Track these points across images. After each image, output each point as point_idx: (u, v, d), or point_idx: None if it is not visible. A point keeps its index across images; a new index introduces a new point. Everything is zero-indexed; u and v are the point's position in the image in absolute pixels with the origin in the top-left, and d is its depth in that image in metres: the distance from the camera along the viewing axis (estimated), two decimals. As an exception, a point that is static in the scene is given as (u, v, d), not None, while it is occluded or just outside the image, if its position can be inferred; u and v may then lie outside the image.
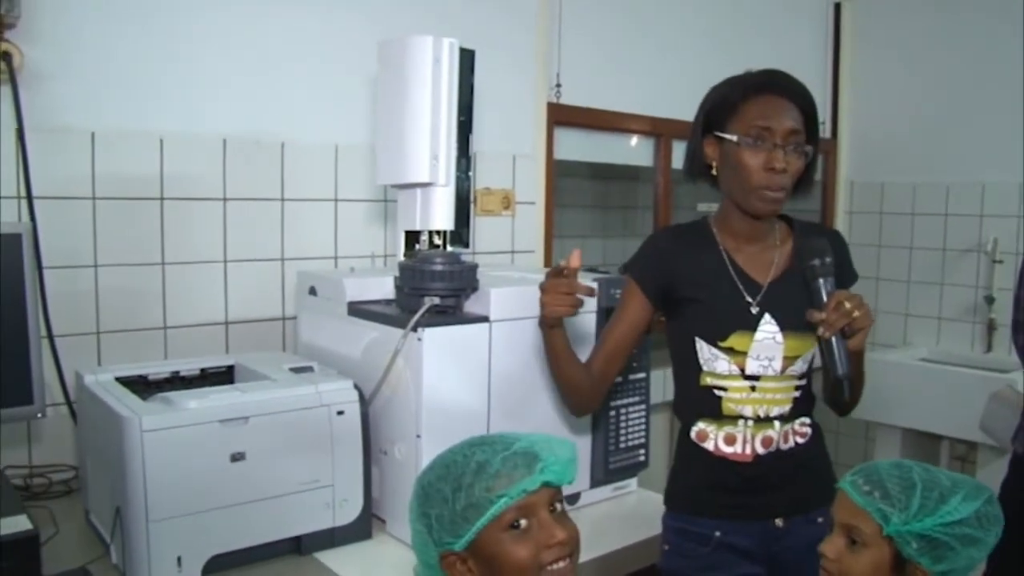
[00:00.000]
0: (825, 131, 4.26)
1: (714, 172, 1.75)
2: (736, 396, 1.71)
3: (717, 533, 1.72)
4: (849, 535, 1.34)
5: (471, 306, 1.89)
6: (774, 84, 1.69)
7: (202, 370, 1.99)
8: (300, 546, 1.75)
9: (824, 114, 4.29)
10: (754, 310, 1.71)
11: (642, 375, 2.15)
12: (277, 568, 1.71)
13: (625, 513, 2.10)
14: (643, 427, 2.16)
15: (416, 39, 1.91)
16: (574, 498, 2.06)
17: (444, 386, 1.80)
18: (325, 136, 2.46)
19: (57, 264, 2.03)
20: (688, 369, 1.76)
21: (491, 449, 1.21)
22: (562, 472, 1.22)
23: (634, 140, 3.51)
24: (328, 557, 1.75)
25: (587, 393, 1.80)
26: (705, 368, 1.73)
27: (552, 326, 1.69)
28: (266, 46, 2.33)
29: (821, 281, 1.59)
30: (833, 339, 1.56)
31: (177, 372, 1.95)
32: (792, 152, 1.66)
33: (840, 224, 4.35)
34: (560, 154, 3.15)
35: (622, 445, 2.12)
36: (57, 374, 2.03)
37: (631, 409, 2.13)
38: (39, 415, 1.79)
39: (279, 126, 2.37)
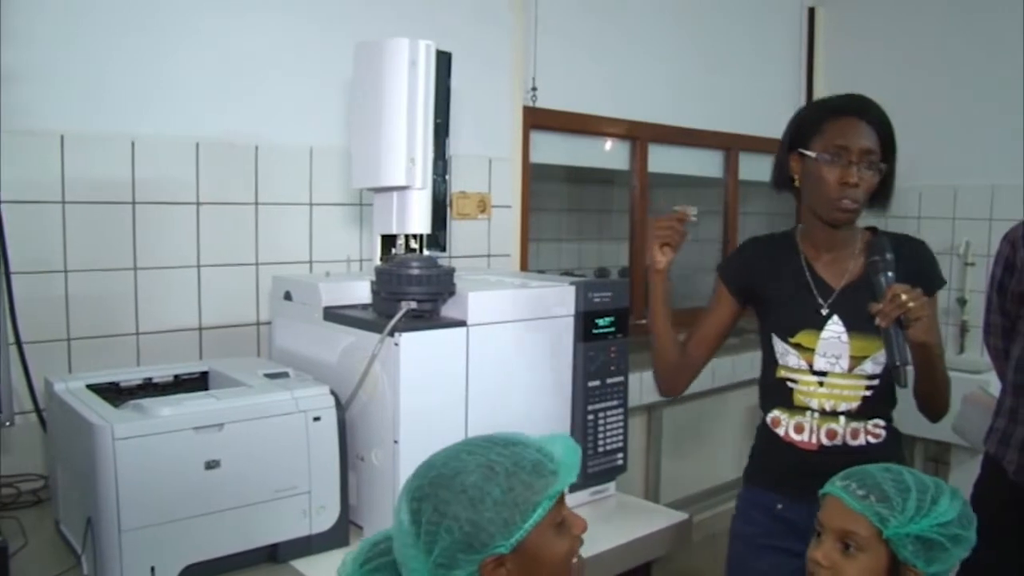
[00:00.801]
0: (799, 135, 4.28)
1: (796, 184, 1.95)
2: (805, 389, 1.90)
3: (779, 506, 1.92)
4: (843, 540, 1.34)
5: (448, 310, 1.88)
6: (853, 107, 1.88)
7: (175, 376, 1.96)
8: (276, 554, 1.72)
9: (798, 118, 4.31)
10: (824, 311, 1.89)
11: (620, 379, 2.13)
12: (253, 577, 1.69)
13: (605, 516, 2.09)
14: (621, 431, 2.15)
15: (392, 41, 1.89)
16: (553, 503, 2.05)
17: (421, 391, 1.78)
18: (300, 139, 2.43)
19: (26, 269, 1.99)
20: (767, 362, 1.98)
21: (527, 448, 1.22)
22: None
23: (609, 144, 3.51)
24: (305, 565, 1.73)
25: (674, 363, 2.02)
26: (780, 362, 1.93)
27: (658, 269, 1.90)
28: (240, 48, 2.30)
29: (880, 276, 1.74)
30: (891, 329, 1.69)
31: (150, 379, 1.92)
32: (866, 169, 1.84)
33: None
34: (536, 157, 3.14)
35: (600, 449, 2.11)
36: (26, 381, 1.99)
37: (609, 413, 2.12)
38: (7, 423, 1.75)
39: (253, 129, 2.34)
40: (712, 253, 4.41)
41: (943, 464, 3.72)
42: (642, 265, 3.64)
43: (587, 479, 2.10)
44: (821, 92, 4.32)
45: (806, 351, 1.89)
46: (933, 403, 1.91)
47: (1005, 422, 2.37)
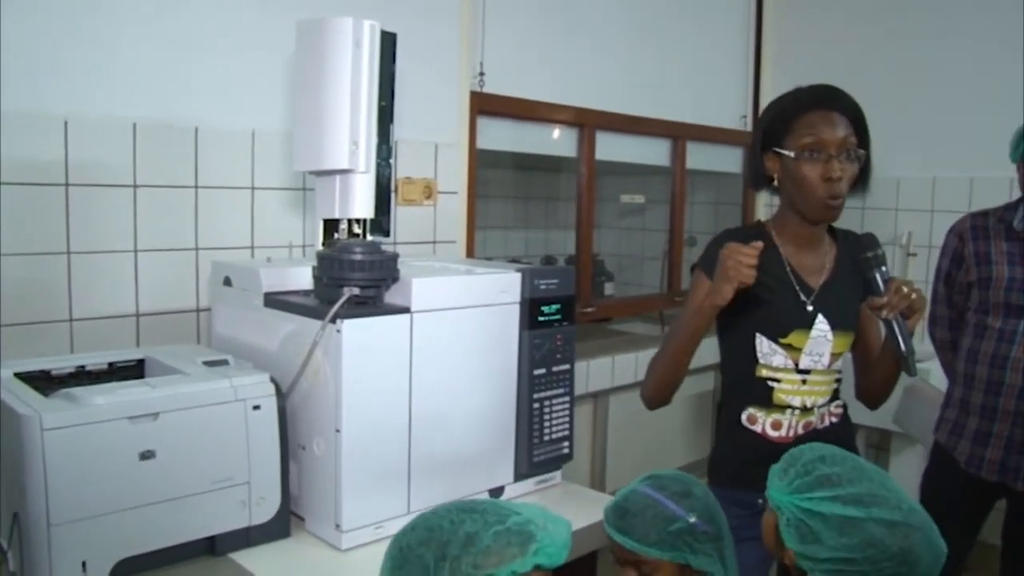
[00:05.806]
0: (747, 124, 4.31)
1: (775, 183, 1.93)
2: (788, 388, 1.90)
3: (760, 500, 1.86)
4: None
5: (392, 297, 1.85)
6: (822, 99, 1.86)
7: (110, 364, 1.90)
8: (214, 547, 1.69)
9: (746, 105, 4.34)
10: (809, 308, 1.90)
11: (566, 366, 2.12)
12: (190, 570, 1.64)
13: (551, 505, 2.07)
14: (567, 419, 2.14)
15: (336, 20, 1.85)
16: (497, 492, 2.03)
17: (364, 379, 1.75)
18: (241, 121, 2.37)
19: (-48, 253, 1.92)
20: (744, 361, 1.93)
21: (482, 519, 1.14)
22: (557, 555, 1.16)
23: (557, 131, 3.49)
24: (244, 557, 1.69)
25: (677, 384, 1.96)
26: (762, 361, 1.91)
27: (718, 304, 1.76)
28: (179, 25, 2.23)
29: (875, 271, 1.76)
30: (894, 321, 1.73)
31: (83, 367, 1.86)
32: (846, 159, 1.83)
33: (760, 217, 4.41)
34: (483, 144, 3.11)
35: (546, 438, 2.10)
36: (-48, 370, 1.92)
37: (555, 401, 2.11)
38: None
39: (193, 110, 2.27)
40: (658, 242, 4.42)
41: (883, 451, 3.78)
42: (589, 252, 3.63)
43: (532, 468, 2.09)
44: (769, 81, 4.35)
45: (794, 351, 1.89)
46: (886, 388, 1.97)
47: (956, 412, 2.39)
